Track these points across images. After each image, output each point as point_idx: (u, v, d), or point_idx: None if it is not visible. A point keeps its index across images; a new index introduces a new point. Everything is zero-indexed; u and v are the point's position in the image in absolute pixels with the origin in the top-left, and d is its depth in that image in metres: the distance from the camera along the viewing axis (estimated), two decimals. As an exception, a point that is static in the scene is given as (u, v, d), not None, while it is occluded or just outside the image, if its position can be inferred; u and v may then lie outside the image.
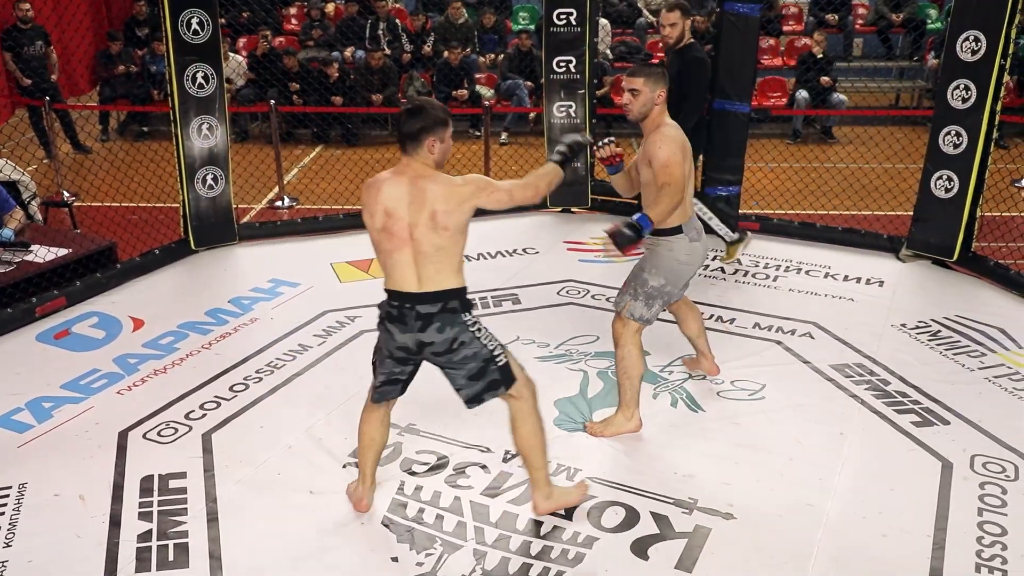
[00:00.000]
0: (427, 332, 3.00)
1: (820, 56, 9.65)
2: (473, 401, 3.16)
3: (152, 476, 3.58)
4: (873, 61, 11.08)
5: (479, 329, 3.08)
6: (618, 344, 3.76)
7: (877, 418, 4.00)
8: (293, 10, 11.44)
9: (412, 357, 3.12)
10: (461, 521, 3.31)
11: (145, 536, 3.25)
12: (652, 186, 3.60)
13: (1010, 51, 5.21)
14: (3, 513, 3.37)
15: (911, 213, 5.80)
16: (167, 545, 3.20)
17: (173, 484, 3.53)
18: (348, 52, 10.09)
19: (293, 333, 4.77)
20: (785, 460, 3.70)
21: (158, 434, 3.87)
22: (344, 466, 3.63)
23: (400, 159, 3.01)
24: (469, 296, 3.11)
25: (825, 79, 9.54)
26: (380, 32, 10.28)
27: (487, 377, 3.10)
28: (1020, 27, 5.23)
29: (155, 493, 3.48)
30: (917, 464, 3.68)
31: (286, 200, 7.43)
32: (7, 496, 3.46)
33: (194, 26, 5.48)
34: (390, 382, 3.21)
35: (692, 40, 5.45)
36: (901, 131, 8.17)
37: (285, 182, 7.64)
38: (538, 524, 3.30)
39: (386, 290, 3.06)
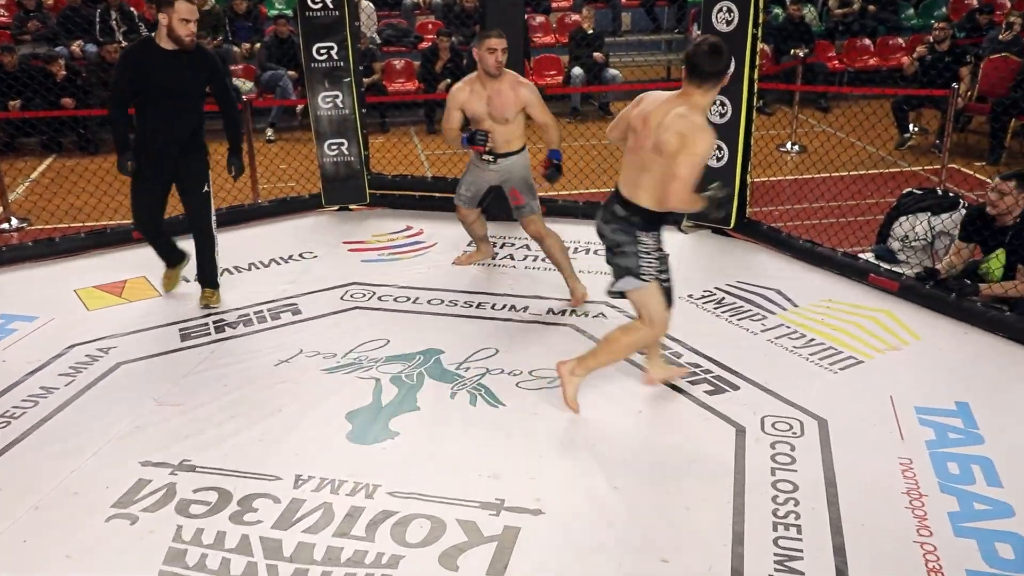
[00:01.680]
0: (608, 225, 3.77)
1: (590, 32, 10.06)
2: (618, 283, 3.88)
3: None
4: (640, 35, 11.67)
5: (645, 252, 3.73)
6: (543, 237, 5.05)
7: (672, 391, 4.22)
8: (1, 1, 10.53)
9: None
10: (251, 561, 3.18)
11: None
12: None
13: (760, 20, 5.61)
14: None
15: (689, 184, 6.14)
16: None
17: None
18: (76, 46, 9.45)
19: (33, 375, 4.42)
20: (587, 446, 3.83)
21: None
22: (108, 519, 3.39)
23: None
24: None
25: (598, 55, 9.95)
26: (113, 22, 9.70)
27: (620, 272, 3.83)
28: (771, -4, 5.67)
29: None
30: (712, 432, 3.92)
31: (13, 221, 6.88)
32: None
33: None
34: None
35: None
36: (674, 102, 8.62)
37: (10, 201, 7.07)
38: (337, 550, 3.24)
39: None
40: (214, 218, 5.08)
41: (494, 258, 5.76)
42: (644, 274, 3.73)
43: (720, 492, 3.53)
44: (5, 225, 6.83)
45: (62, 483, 3.62)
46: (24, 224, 6.91)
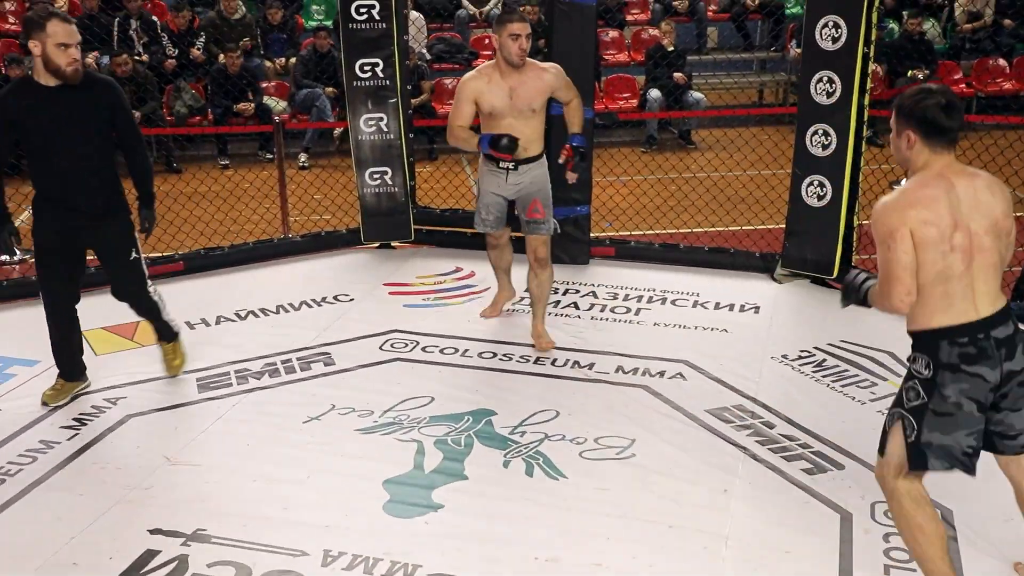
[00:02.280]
0: (1015, 359, 3.00)
1: (671, 49, 10.06)
2: None
3: None
4: (730, 53, 11.60)
5: None
6: (547, 264, 5.00)
7: (764, 468, 4.15)
8: (10, 5, 10.85)
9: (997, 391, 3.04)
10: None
11: None
12: None
13: (873, 37, 5.57)
14: None
15: (784, 227, 6.12)
16: None
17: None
18: (91, 58, 9.74)
19: (32, 427, 4.50)
20: (664, 528, 3.77)
21: None
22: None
23: None
24: None
25: (679, 75, 9.96)
26: (133, 33, 9.98)
27: None
28: (884, 9, 5.62)
29: None
30: (813, 518, 3.83)
31: (17, 253, 7.03)
32: None
33: None
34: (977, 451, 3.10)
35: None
36: (766, 132, 8.57)
37: (17, 224, 7.24)
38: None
39: (946, 328, 2.97)
40: (151, 284, 4.75)
41: (519, 301, 5.72)
42: None
43: (821, 588, 3.47)
44: (4, 257, 6.97)
45: (60, 552, 3.66)
46: (27, 256, 7.05)
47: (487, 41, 10.92)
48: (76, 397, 4.68)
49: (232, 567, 3.56)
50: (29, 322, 5.63)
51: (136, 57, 9.50)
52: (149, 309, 4.70)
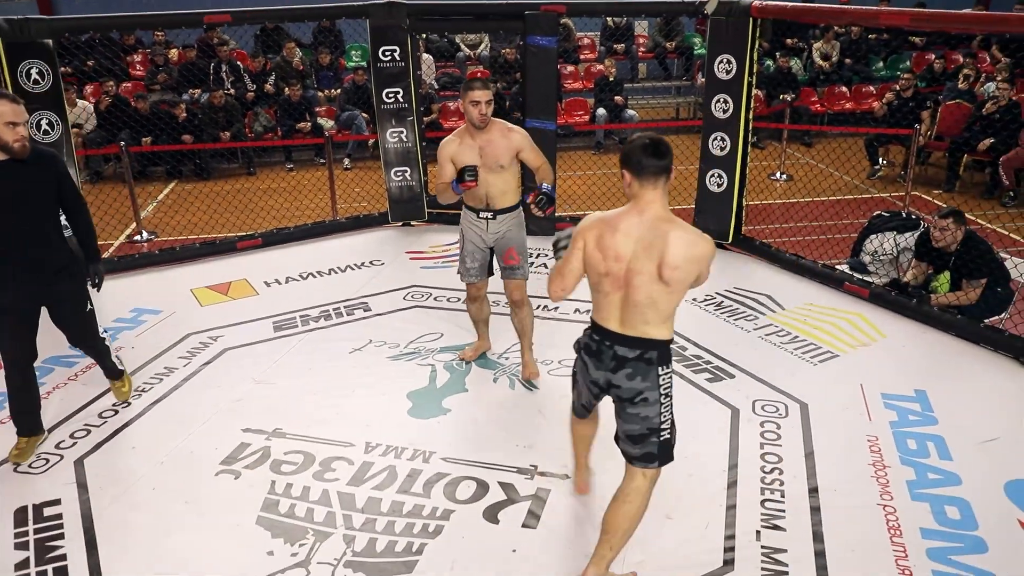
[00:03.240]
0: (618, 375, 2.63)
1: (612, 79, 10.02)
2: (625, 455, 2.77)
3: (26, 507, 3.30)
4: (654, 81, 11.60)
5: (665, 395, 2.65)
6: (525, 303, 4.14)
7: (678, 379, 4.20)
8: (138, 57, 10.78)
9: (602, 392, 2.77)
10: (330, 511, 3.25)
11: (22, 564, 3.00)
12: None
13: (755, 70, 5.56)
14: None
15: (693, 206, 6.12)
16: (45, 571, 2.97)
17: (48, 512, 3.28)
18: (194, 93, 9.63)
19: (158, 357, 4.52)
20: (606, 423, 3.82)
21: (29, 466, 3.57)
22: (216, 474, 3.47)
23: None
24: (671, 347, 2.67)
25: (618, 98, 9.91)
26: (223, 74, 9.86)
27: (645, 447, 2.69)
28: (762, 50, 5.62)
29: (30, 523, 3.21)
30: (711, 413, 3.91)
31: (144, 234, 7.01)
32: None
33: (34, 76, 5.08)
34: (586, 406, 3.02)
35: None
36: (681, 139, 8.58)
37: (142, 217, 7.21)
38: (400, 503, 3.27)
39: (592, 320, 2.70)
40: (102, 332, 3.86)
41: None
42: (664, 427, 2.71)
43: (717, 462, 3.53)
44: (137, 237, 6.96)
45: (181, 444, 3.71)
46: (152, 236, 7.04)
47: (478, 74, 10.83)
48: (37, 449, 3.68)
49: (301, 454, 3.61)
50: (154, 283, 5.66)
51: (226, 91, 9.37)
52: (100, 352, 3.85)
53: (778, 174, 8.43)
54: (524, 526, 3.15)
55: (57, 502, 3.32)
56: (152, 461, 3.57)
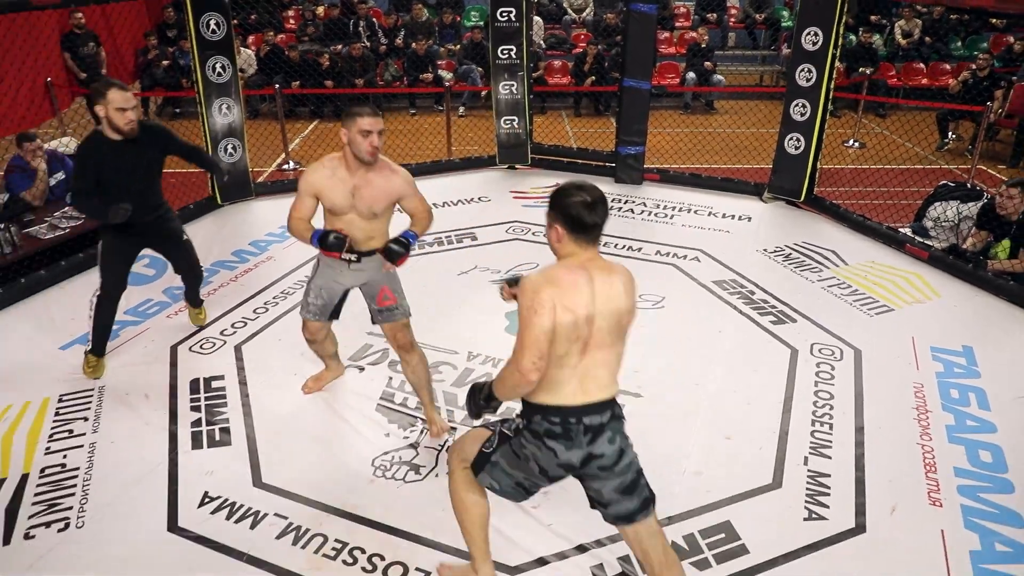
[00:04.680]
0: (596, 444, 2.08)
1: (703, 46, 9.59)
2: (623, 520, 2.16)
3: (199, 379, 3.57)
4: (743, 50, 11.06)
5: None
6: (412, 347, 3.11)
7: (745, 319, 4.13)
8: (291, 12, 10.99)
9: (568, 473, 2.16)
10: (437, 406, 3.34)
11: (196, 423, 3.26)
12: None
13: (839, 43, 5.23)
14: (90, 407, 3.35)
15: (771, 166, 5.88)
16: (213, 429, 3.22)
17: (215, 384, 3.53)
18: (337, 48, 9.75)
19: (301, 267, 4.68)
20: (678, 350, 3.81)
21: (200, 347, 3.84)
22: (345, 367, 3.64)
23: None
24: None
25: (708, 64, 9.50)
26: (360, 29, 9.92)
27: (641, 494, 2.15)
28: (847, 25, 5.27)
29: (201, 391, 3.47)
30: (773, 351, 3.83)
31: (291, 163, 7.25)
32: (92, 395, 3.44)
33: (212, 26, 5.24)
34: (529, 491, 2.27)
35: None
36: (763, 104, 8.23)
37: (290, 149, 7.44)
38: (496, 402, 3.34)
39: (544, 405, 2.07)
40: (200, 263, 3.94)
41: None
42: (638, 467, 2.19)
43: (774, 395, 3.48)
44: (286, 166, 7.20)
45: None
46: (297, 166, 7.26)
47: (582, 37, 10.53)
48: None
49: (415, 356, 3.73)
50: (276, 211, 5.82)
51: (363, 44, 9.44)
52: (197, 278, 3.92)
53: (852, 141, 7.98)
54: (599, 432, 3.19)
55: (221, 377, 3.57)
56: (294, 352, 3.74)
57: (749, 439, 3.18)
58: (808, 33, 5.28)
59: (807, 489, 2.92)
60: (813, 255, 4.93)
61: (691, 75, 9.51)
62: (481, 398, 2.19)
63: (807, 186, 5.65)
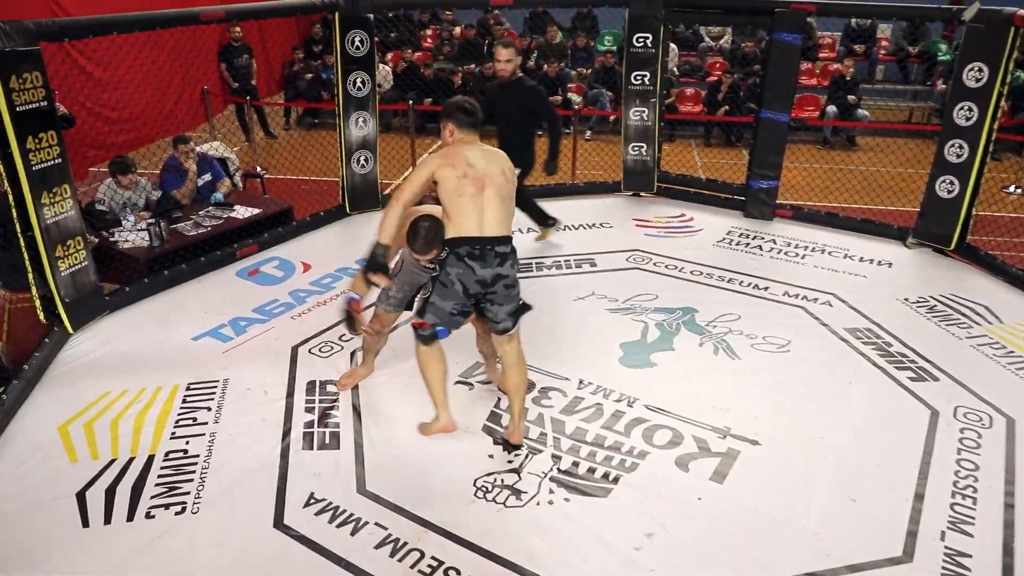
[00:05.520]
0: (505, 267, 2.99)
1: (848, 78, 9.15)
2: (501, 332, 3.14)
3: (315, 381, 3.71)
4: (892, 84, 10.45)
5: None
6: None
7: (880, 372, 3.85)
8: (429, 31, 11.45)
9: (484, 289, 3.00)
10: (543, 432, 3.34)
11: (309, 424, 3.39)
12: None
13: (1007, 80, 4.83)
14: (213, 398, 3.56)
15: (918, 209, 5.48)
16: (324, 432, 3.34)
17: (330, 388, 3.66)
18: (472, 68, 10.06)
19: (421, 280, 4.84)
20: (803, 402, 3.60)
21: (319, 350, 4.00)
22: (455, 383, 3.68)
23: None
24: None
25: (852, 97, 9.05)
26: (494, 50, 10.20)
27: (517, 315, 3.15)
28: (1017, 62, 4.85)
29: (316, 393, 3.61)
30: (910, 411, 3.54)
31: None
32: (215, 387, 3.66)
33: (356, 42, 5.54)
34: (456, 315, 3.06)
35: (522, 74, 5.10)
36: (912, 143, 7.73)
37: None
38: (603, 437, 3.30)
39: (465, 236, 2.92)
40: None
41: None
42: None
43: (909, 458, 3.20)
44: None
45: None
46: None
47: (718, 65, 10.31)
48: None
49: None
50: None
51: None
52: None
53: (1013, 187, 7.33)
54: (712, 479, 3.06)
55: (334, 382, 3.70)
56: (409, 362, 3.75)
57: (878, 504, 2.94)
58: (972, 69, 4.90)
59: (943, 569, 2.66)
60: (962, 309, 4.54)
61: (832, 108, 9.09)
62: (370, 253, 2.98)
63: (959, 233, 5.22)
